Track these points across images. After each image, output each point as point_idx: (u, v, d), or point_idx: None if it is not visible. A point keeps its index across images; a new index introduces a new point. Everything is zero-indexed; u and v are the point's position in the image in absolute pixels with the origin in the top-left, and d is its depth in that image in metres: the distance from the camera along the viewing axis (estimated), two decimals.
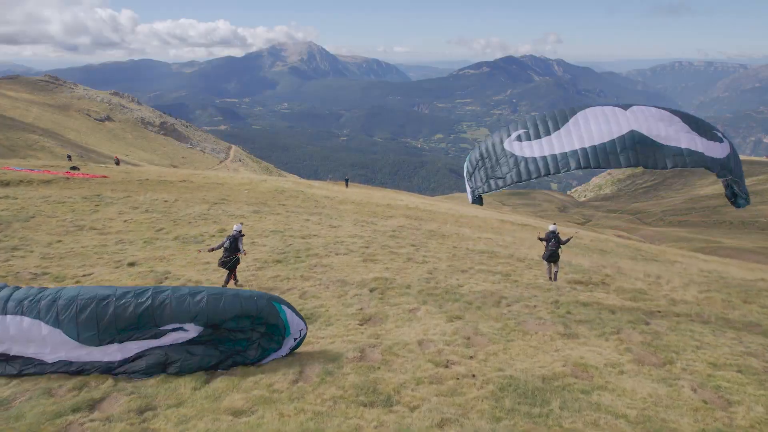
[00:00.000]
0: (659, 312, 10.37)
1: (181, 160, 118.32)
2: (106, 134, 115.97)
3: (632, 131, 8.64)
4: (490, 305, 10.03)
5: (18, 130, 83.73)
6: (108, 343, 6.59)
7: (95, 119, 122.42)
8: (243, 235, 11.14)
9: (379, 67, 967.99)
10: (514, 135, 9.21)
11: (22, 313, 6.46)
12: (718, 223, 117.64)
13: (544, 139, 8.95)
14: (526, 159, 8.94)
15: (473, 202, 10.17)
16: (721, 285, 15.43)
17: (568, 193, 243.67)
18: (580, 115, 9.06)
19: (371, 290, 10.83)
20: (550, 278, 13.35)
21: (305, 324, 7.46)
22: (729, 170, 9.24)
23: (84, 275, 11.16)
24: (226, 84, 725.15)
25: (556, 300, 10.63)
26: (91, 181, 30.75)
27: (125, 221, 18.30)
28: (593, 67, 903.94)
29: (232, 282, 10.99)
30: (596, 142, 8.72)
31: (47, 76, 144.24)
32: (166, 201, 23.81)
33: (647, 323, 9.29)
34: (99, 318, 6.45)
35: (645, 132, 8.73)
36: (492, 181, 9.46)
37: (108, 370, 6.60)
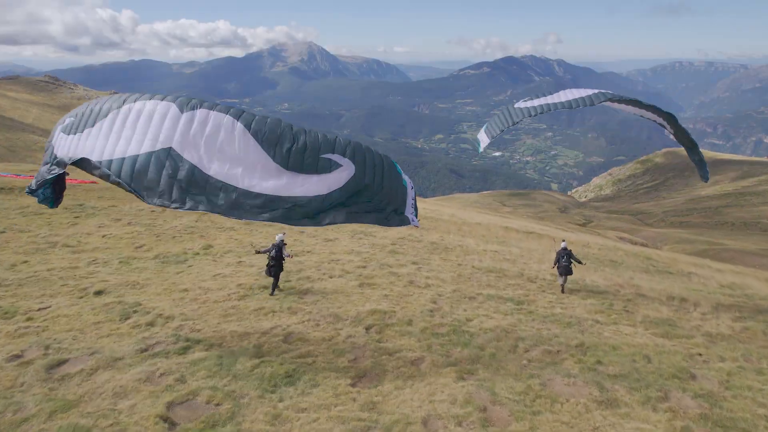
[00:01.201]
0: (701, 356, 9.01)
1: None
2: None
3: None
4: (505, 351, 8.64)
5: (18, 130, 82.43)
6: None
7: None
8: (285, 244, 11.70)
9: (380, 67, 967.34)
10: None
11: None
12: (720, 224, 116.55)
13: None
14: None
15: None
16: (753, 309, 14.05)
17: (569, 193, 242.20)
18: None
19: (367, 328, 9.42)
20: (563, 291, 14.07)
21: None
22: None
23: (39, 308, 9.77)
24: (226, 84, 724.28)
25: (581, 342, 9.24)
26: (78, 187, 29.37)
27: (104, 236, 16.91)
28: (594, 67, 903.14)
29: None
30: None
31: (47, 77, 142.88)
32: (152, 211, 22.43)
33: (693, 376, 7.92)
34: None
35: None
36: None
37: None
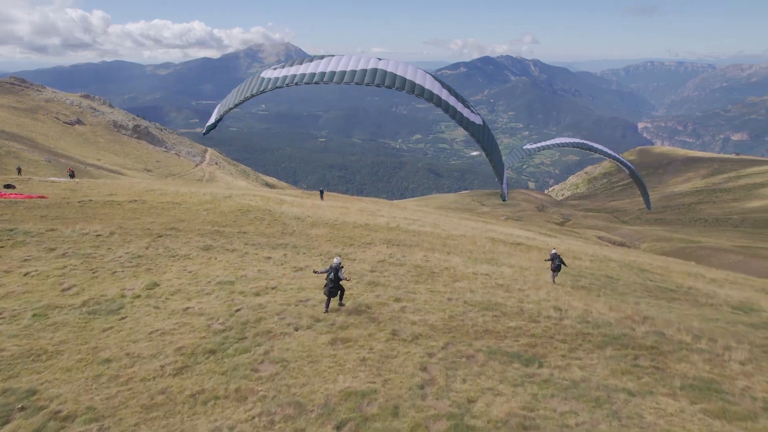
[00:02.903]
0: None
1: (155, 164, 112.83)
2: (76, 138, 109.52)
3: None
4: None
5: None
6: None
7: (65, 122, 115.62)
8: (342, 267, 12.29)
9: None
10: None
11: None
12: (694, 221, 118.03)
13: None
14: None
15: None
16: None
17: (546, 191, 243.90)
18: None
19: (339, 428, 7.04)
20: (553, 282, 18.90)
21: None
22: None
23: None
24: (202, 86, 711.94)
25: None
26: (20, 204, 26.24)
27: (26, 274, 14.08)
28: (569, 67, 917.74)
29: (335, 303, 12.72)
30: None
31: (13, 78, 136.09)
32: (98, 235, 19.60)
33: None
34: None
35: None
36: None
37: None
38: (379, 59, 13.67)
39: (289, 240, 22.53)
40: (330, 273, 12.07)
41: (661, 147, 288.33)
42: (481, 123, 14.49)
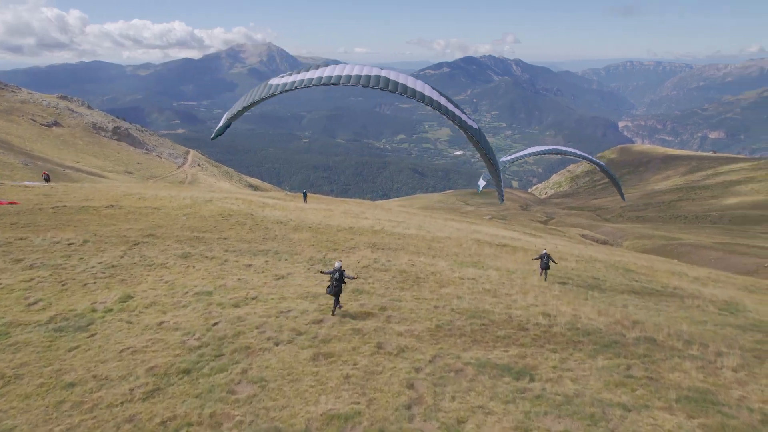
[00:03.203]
0: None
1: (136, 166, 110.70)
2: (54, 140, 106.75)
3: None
4: None
5: None
6: None
7: (41, 124, 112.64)
8: (344, 270, 13.06)
9: None
10: None
11: None
12: (674, 218, 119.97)
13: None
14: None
15: None
16: None
17: (529, 190, 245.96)
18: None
19: None
20: (542, 277, 20.33)
21: None
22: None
23: None
24: (183, 86, 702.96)
25: None
26: None
27: None
28: (550, 67, 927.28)
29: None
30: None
31: None
32: (70, 244, 18.78)
33: None
34: None
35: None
36: None
37: None
38: (381, 68, 15.30)
39: (271, 245, 21.93)
40: (335, 273, 12.61)
41: (642, 145, 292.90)
42: (477, 128, 15.80)
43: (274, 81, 15.52)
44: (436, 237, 30.87)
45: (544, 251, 20.39)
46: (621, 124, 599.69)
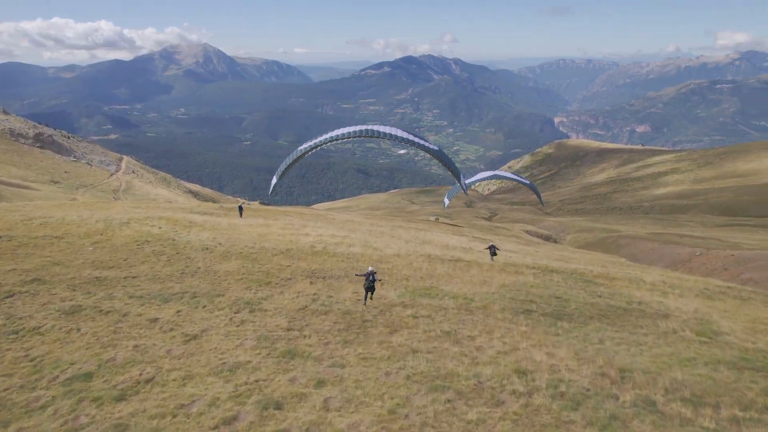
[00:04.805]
0: None
1: (63, 175, 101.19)
2: None
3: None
4: None
5: None
6: None
7: None
8: (375, 272, 16.04)
9: (280, 68, 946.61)
10: None
11: None
12: (610, 209, 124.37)
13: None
14: None
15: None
16: None
17: (473, 187, 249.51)
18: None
19: None
20: (492, 261, 25.32)
21: None
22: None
23: None
24: (114, 89, 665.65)
25: None
26: None
27: None
28: (488, 65, 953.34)
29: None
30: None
31: None
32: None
33: None
34: None
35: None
36: None
37: None
38: (383, 125, 22.53)
39: (190, 284, 18.28)
40: (369, 276, 15.66)
41: (577, 140, 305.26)
42: (438, 148, 25.35)
43: (313, 140, 19.24)
44: (384, 256, 28.09)
45: (491, 243, 26.71)
46: (557, 120, 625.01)
